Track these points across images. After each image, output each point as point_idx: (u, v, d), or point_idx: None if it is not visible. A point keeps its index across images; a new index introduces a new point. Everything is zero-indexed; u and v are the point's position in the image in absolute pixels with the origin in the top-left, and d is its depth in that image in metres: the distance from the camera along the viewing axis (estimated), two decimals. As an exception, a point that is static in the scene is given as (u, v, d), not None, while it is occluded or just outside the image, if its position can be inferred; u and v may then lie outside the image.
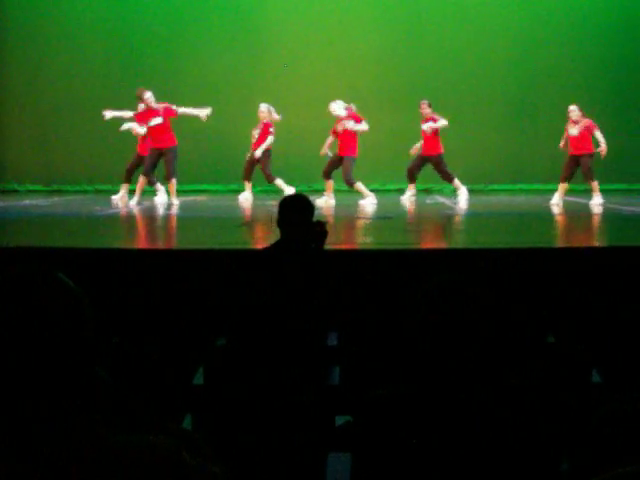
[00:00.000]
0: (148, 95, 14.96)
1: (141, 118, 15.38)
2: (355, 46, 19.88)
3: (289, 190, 15.33)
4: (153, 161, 15.05)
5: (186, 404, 4.00)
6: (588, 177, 15.18)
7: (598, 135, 15.22)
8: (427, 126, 16.02)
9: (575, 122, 15.25)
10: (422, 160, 16.24)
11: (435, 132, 16.12)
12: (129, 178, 16.14)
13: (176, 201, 14.89)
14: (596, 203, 15.00)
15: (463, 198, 16.01)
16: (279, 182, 16.02)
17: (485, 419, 2.63)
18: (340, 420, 3.79)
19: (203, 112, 15.27)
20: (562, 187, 15.39)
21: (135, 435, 1.70)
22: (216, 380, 4.49)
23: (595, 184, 15.19)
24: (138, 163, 16.02)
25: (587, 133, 15.19)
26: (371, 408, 2.75)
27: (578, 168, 15.31)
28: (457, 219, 13.39)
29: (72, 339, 1.67)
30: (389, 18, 20.02)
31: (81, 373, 1.69)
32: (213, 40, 20.06)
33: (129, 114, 15.67)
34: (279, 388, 4.25)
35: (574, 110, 15.34)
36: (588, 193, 15.52)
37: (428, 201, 16.52)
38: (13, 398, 1.63)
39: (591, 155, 15.22)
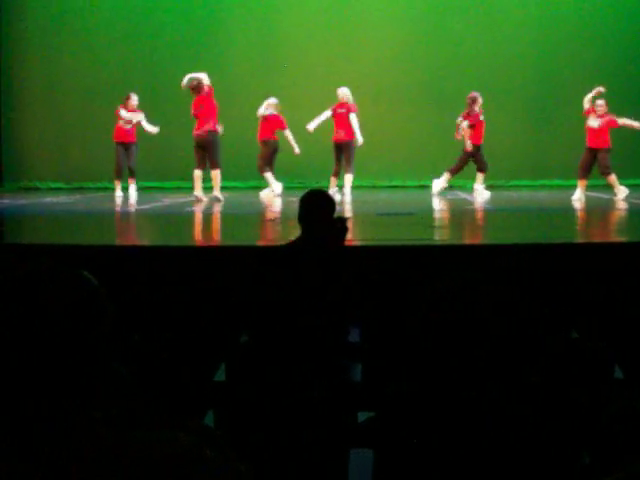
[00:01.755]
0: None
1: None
2: (373, 43, 19.86)
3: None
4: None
5: (208, 401, 4.00)
6: (606, 172, 15.08)
7: (626, 121, 15.14)
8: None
9: (599, 116, 15.16)
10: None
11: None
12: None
13: (205, 198, 15.04)
14: (622, 197, 14.91)
15: (480, 195, 16.03)
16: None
17: (501, 416, 2.62)
18: (363, 416, 3.78)
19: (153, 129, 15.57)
20: (582, 183, 15.31)
21: (157, 431, 1.69)
22: (238, 377, 4.49)
23: (613, 178, 15.11)
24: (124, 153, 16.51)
25: (607, 128, 15.11)
26: (392, 404, 2.74)
27: (594, 161, 15.24)
28: (478, 215, 13.35)
29: (89, 335, 1.66)
30: (408, 15, 19.97)
31: (97, 369, 1.69)
32: (230, 40, 20.09)
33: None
34: (295, 384, 4.25)
35: (602, 105, 15.25)
36: (609, 188, 15.44)
37: (449, 197, 16.49)
38: (21, 395, 1.63)
39: (608, 150, 15.13)
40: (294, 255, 5.58)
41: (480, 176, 16.53)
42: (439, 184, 16.54)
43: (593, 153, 15.15)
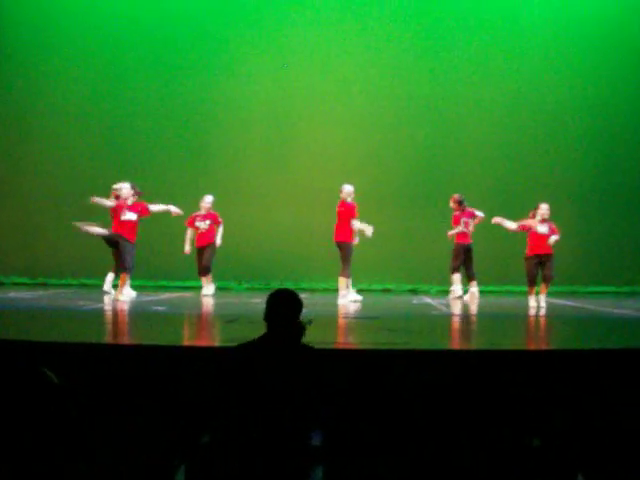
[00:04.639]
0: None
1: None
2: (356, 144, 20.27)
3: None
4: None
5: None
6: (551, 278, 15.01)
7: (555, 238, 15.06)
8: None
9: (544, 221, 15.10)
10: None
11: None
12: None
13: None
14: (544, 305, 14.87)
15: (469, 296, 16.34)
16: None
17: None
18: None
19: (173, 208, 15.63)
20: (538, 289, 15.17)
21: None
22: (198, 478, 4.43)
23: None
24: None
25: (552, 234, 15.02)
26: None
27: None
28: (445, 320, 13.36)
29: (52, 431, 1.66)
30: (387, 113, 20.33)
31: (59, 464, 1.68)
32: (209, 112, 20.37)
33: None
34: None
35: (547, 209, 15.19)
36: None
37: (415, 302, 16.52)
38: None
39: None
40: (257, 353, 5.55)
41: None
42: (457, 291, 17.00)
43: (539, 258, 15.06)
